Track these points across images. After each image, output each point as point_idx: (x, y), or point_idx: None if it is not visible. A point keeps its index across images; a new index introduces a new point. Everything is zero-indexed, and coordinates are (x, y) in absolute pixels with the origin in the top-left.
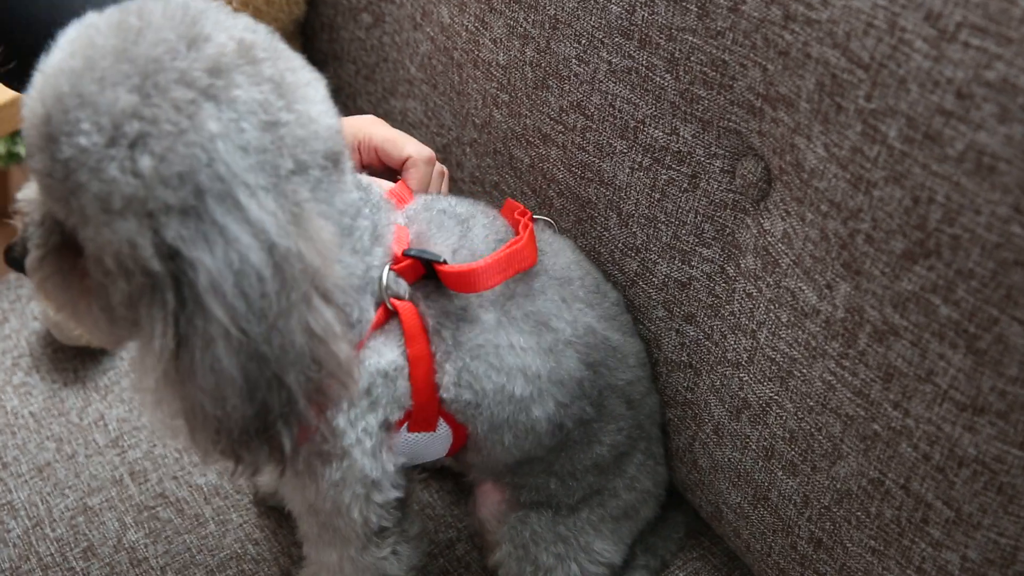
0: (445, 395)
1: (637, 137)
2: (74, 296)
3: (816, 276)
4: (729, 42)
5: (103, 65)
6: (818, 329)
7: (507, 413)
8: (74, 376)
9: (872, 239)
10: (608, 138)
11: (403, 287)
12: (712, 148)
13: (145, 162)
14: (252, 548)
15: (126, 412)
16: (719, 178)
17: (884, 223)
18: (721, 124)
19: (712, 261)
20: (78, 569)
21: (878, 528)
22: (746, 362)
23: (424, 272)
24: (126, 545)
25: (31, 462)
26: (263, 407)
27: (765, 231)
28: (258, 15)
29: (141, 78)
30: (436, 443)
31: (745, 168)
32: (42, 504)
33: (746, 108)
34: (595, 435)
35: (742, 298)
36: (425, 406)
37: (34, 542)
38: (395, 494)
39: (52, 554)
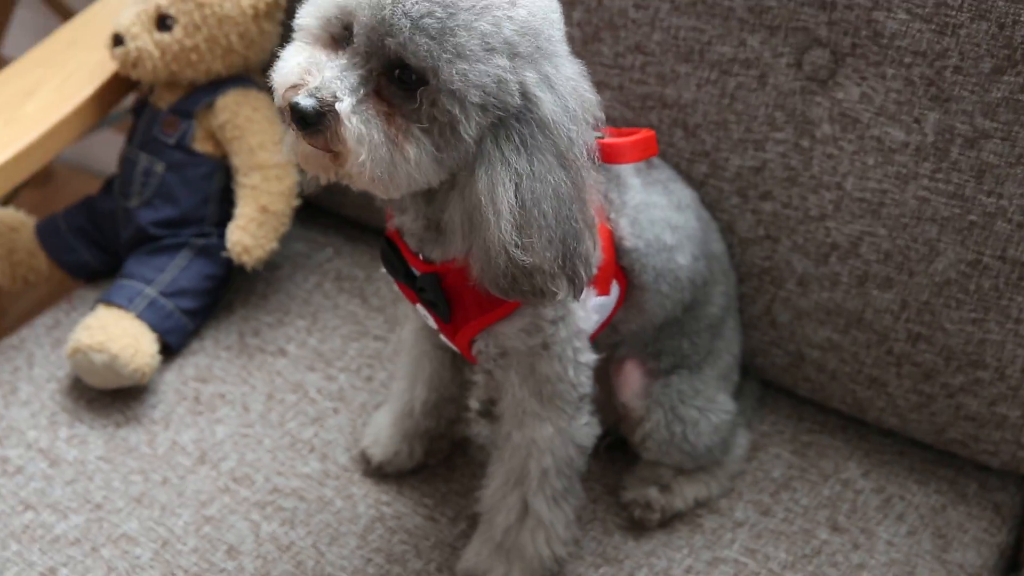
0: (627, 244)
1: (704, 57)
2: (390, 137)
3: (902, 116)
4: None
5: None
6: (907, 159)
7: (663, 260)
8: (123, 417)
9: (960, 68)
10: (671, 66)
11: None
12: (778, 49)
13: (522, 12)
14: (387, 509)
15: (198, 433)
16: (786, 72)
17: (971, 52)
18: (789, 26)
19: (785, 142)
20: (229, 569)
21: (977, 300)
22: (832, 212)
23: None
24: (265, 537)
25: (124, 496)
26: (566, 242)
27: (838, 100)
28: (231, 54)
29: None
30: (606, 309)
31: (812, 57)
32: (159, 527)
33: (816, 5)
34: (709, 296)
35: (822, 160)
36: (608, 264)
37: (170, 559)
38: (592, 356)
39: (196, 563)
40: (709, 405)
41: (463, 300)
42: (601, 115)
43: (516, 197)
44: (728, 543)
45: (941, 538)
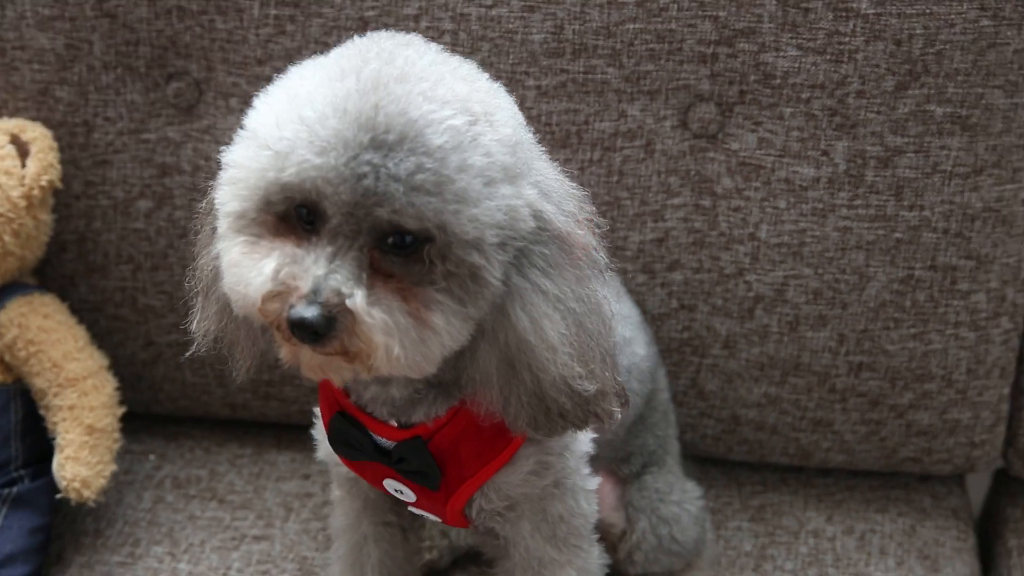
0: None
1: (582, 138)
2: (412, 315)
3: (808, 152)
4: (675, 12)
5: (415, 72)
6: (821, 192)
7: (627, 356)
8: None
9: (863, 92)
10: (549, 154)
11: None
12: (660, 112)
13: (504, 131)
14: None
15: None
16: (672, 134)
17: (872, 75)
18: (669, 87)
19: (685, 206)
20: None
21: (915, 315)
22: (750, 264)
23: None
24: None
25: None
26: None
27: (734, 152)
28: (6, 258)
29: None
30: None
31: (697, 113)
32: None
33: (696, 61)
34: (658, 381)
35: (729, 215)
36: None
37: None
38: (596, 480)
39: None
40: (684, 496)
41: (457, 457)
42: (592, 208)
43: (565, 326)
44: None
45: (927, 559)
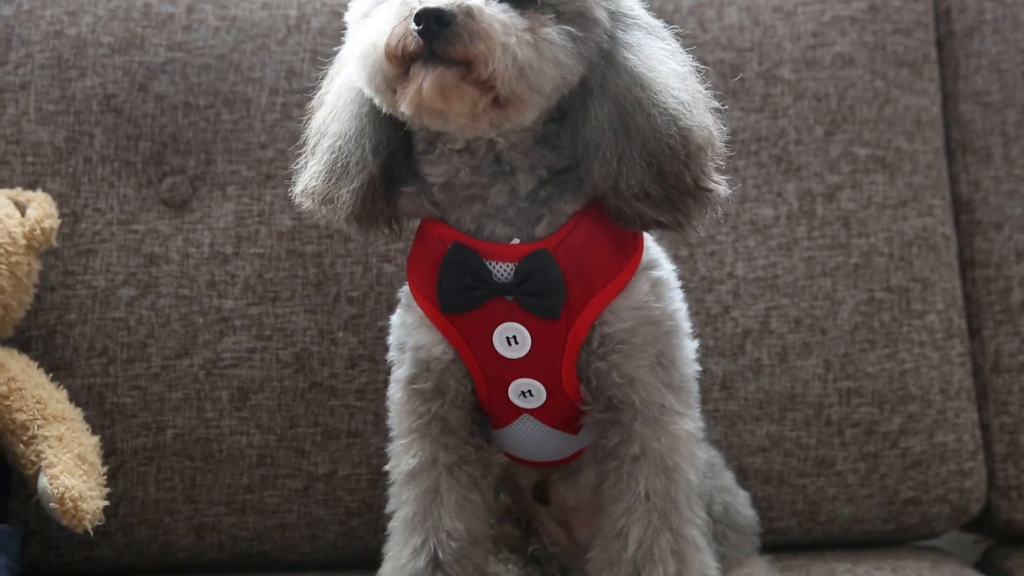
0: None
1: None
2: (527, 26)
3: (764, 196)
4: None
5: None
6: (783, 228)
7: None
8: None
9: (800, 140)
10: None
11: None
12: None
13: None
14: None
15: None
16: None
17: (803, 125)
18: None
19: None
20: None
21: (885, 335)
22: (732, 301)
23: None
24: None
25: None
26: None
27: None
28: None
29: None
30: None
31: None
32: None
33: None
34: None
35: (705, 259)
36: None
37: None
38: (695, 343)
39: None
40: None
41: (580, 273)
42: None
43: (672, 65)
44: None
45: None
